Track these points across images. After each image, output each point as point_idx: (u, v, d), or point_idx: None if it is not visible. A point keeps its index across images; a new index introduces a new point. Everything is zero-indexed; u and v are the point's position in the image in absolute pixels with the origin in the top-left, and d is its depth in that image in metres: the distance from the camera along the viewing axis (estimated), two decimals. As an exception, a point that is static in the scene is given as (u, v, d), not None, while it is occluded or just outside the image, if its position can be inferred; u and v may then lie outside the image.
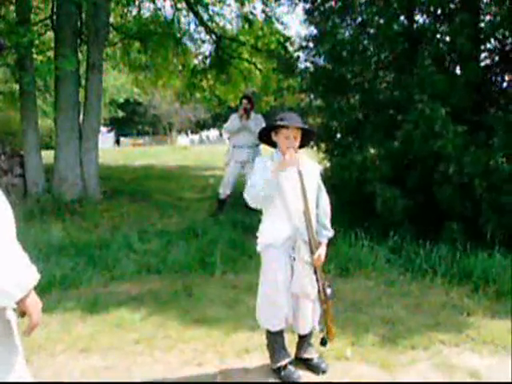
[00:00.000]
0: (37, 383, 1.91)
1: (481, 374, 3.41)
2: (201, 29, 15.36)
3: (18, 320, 1.92)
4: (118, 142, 48.66)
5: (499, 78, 6.93)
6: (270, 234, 3.37)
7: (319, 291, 3.38)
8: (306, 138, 3.47)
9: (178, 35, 14.82)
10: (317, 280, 3.37)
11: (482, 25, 6.66)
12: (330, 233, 3.52)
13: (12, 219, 1.86)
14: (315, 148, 7.45)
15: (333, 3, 7.59)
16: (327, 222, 3.51)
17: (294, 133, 3.35)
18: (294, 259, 3.31)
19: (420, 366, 3.55)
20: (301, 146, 3.47)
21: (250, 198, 3.32)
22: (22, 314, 1.85)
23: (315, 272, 3.37)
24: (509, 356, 3.69)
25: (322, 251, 3.40)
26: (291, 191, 3.31)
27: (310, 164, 3.54)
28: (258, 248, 3.46)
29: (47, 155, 10.76)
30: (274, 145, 3.49)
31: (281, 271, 3.32)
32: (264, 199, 3.29)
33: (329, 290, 3.40)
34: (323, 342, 3.50)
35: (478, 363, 3.59)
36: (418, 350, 3.79)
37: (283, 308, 3.33)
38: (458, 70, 6.88)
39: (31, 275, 1.80)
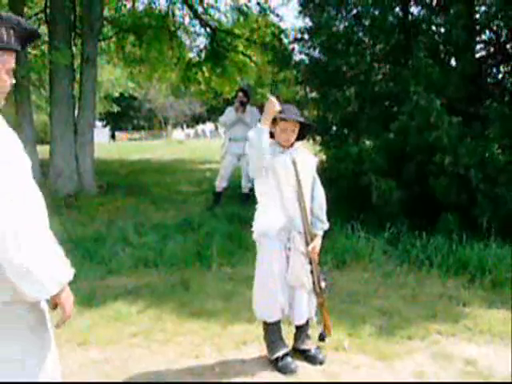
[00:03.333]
0: (63, 383, 1.97)
1: (477, 363, 3.43)
2: (195, 22, 15.36)
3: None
4: (113, 136, 48.53)
5: (494, 70, 6.94)
6: (265, 222, 3.37)
7: (314, 283, 3.40)
8: (304, 131, 3.48)
9: (173, 28, 14.78)
10: (311, 272, 3.38)
11: (478, 16, 6.67)
12: (326, 225, 3.53)
13: (46, 213, 1.94)
14: (311, 140, 7.44)
15: (328, -5, 7.57)
16: (322, 214, 3.52)
17: (292, 126, 3.35)
18: (290, 249, 3.32)
19: (417, 356, 3.57)
20: (298, 139, 3.48)
21: (251, 156, 3.28)
22: (54, 306, 1.91)
23: (310, 263, 3.37)
24: (505, 345, 3.71)
25: (316, 243, 3.41)
26: (286, 181, 3.31)
27: (307, 155, 3.54)
28: (254, 235, 3.46)
29: (42, 150, 10.73)
30: (270, 135, 3.48)
31: (276, 262, 3.33)
32: (260, 155, 3.24)
33: (323, 284, 3.42)
34: (321, 338, 3.53)
35: (474, 353, 3.60)
36: (414, 341, 3.81)
37: (279, 298, 3.34)
38: (453, 62, 6.90)
39: (66, 270, 1.87)
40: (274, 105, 3.20)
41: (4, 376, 1.84)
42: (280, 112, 3.32)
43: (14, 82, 1.95)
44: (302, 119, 3.45)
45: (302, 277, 3.34)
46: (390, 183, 6.01)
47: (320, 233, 3.49)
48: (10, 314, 1.83)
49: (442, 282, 5.01)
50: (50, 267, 1.78)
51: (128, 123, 51.88)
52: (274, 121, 3.36)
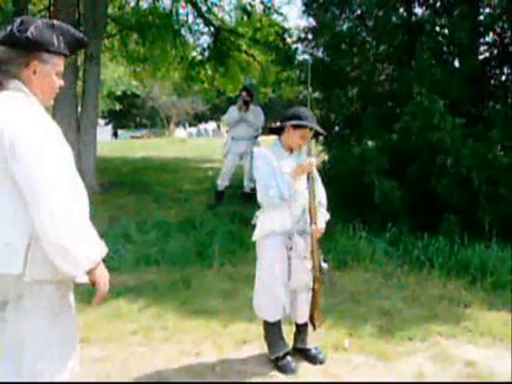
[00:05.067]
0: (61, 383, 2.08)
1: (478, 365, 3.42)
2: (199, 20, 15.32)
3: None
4: (115, 134, 48.52)
5: (498, 71, 6.93)
6: (270, 223, 3.36)
7: (314, 266, 3.36)
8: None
9: (177, 27, 14.77)
10: (312, 252, 3.35)
11: (481, 18, 6.66)
12: (327, 216, 3.53)
13: (86, 198, 2.21)
14: (313, 140, 7.43)
15: (332, -5, 7.57)
16: (323, 209, 3.52)
17: (310, 133, 3.36)
18: (291, 249, 3.31)
19: (417, 357, 3.57)
20: None
21: (267, 202, 3.32)
22: (93, 284, 2.07)
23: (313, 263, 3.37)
24: (505, 347, 3.71)
25: (320, 225, 3.40)
26: (295, 184, 3.31)
27: (306, 158, 3.53)
28: (255, 236, 3.44)
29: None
30: (276, 132, 3.48)
31: (278, 261, 3.33)
32: (279, 203, 3.29)
33: (325, 265, 3.38)
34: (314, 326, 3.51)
35: (474, 354, 3.60)
36: (415, 341, 3.81)
37: (280, 298, 3.34)
38: (456, 63, 6.89)
39: (99, 248, 2.06)
40: (311, 167, 3.26)
41: (27, 351, 2.01)
42: (302, 117, 3.33)
43: (63, 84, 2.19)
44: (322, 130, 3.46)
45: (305, 281, 3.34)
46: (393, 184, 6.01)
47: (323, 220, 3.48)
48: (36, 294, 2.00)
49: (442, 283, 5.01)
50: (83, 245, 1.96)
51: (130, 121, 51.83)
52: (295, 124, 3.35)
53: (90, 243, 2.00)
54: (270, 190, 3.25)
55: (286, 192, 3.23)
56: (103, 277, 2.07)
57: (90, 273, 2.02)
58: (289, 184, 3.24)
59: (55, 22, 2.09)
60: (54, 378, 2.03)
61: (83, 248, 1.96)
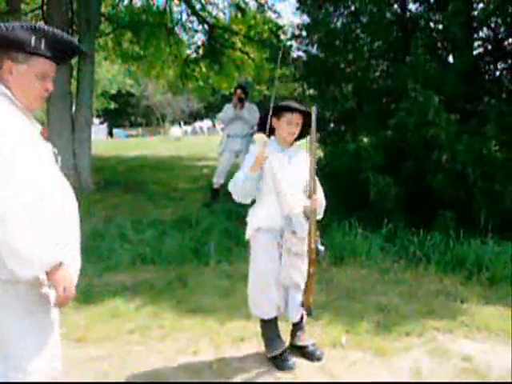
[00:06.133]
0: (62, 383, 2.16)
1: (474, 360, 3.44)
2: (193, 18, 15.32)
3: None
4: (110, 133, 48.43)
5: (492, 67, 6.93)
6: (261, 219, 3.36)
7: (310, 250, 3.29)
8: (305, 129, 3.41)
9: (171, 25, 14.75)
10: (309, 233, 3.29)
11: (475, 13, 6.66)
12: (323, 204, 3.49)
13: (70, 201, 2.19)
14: (308, 137, 7.43)
15: (326, -9, 7.56)
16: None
17: (297, 119, 3.33)
18: (282, 246, 3.30)
19: (414, 352, 3.58)
20: (298, 138, 3.46)
21: (233, 193, 3.34)
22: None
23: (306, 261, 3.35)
24: (502, 342, 3.72)
25: (320, 195, 3.39)
26: (283, 180, 3.30)
27: (301, 153, 3.52)
28: (247, 234, 3.44)
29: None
30: (270, 132, 3.46)
31: (270, 259, 3.32)
32: (244, 197, 3.31)
33: (322, 248, 3.30)
34: (308, 313, 3.44)
35: (471, 349, 3.61)
36: (412, 337, 3.82)
37: (273, 295, 3.34)
38: (450, 59, 6.89)
39: (58, 251, 2.00)
40: (263, 152, 3.15)
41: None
42: (284, 108, 3.31)
43: (51, 88, 2.16)
44: (306, 109, 3.39)
45: (297, 277, 3.32)
46: (388, 180, 6.01)
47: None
48: (8, 294, 2.01)
49: (439, 279, 5.02)
50: (36, 248, 1.93)
51: (125, 120, 51.80)
52: (278, 114, 3.35)
53: (45, 246, 1.95)
54: (234, 183, 3.29)
55: (239, 182, 3.24)
56: (64, 281, 2.03)
57: (48, 276, 2.00)
58: (246, 175, 3.21)
59: (38, 24, 2.07)
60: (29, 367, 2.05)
61: (36, 250, 1.93)
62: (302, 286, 3.37)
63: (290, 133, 3.35)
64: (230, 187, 3.33)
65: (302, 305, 3.40)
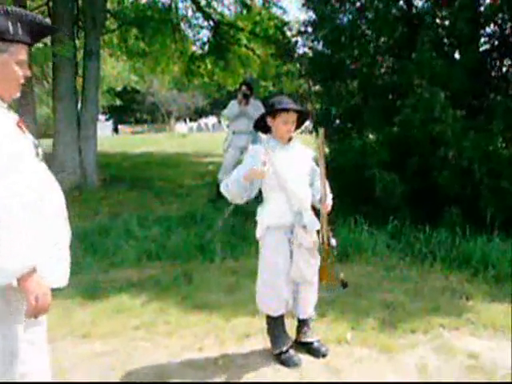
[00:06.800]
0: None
1: (480, 357, 3.43)
2: (198, 15, 15.29)
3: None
4: (116, 130, 48.51)
5: (498, 63, 6.89)
6: (271, 217, 3.36)
7: (323, 242, 3.37)
8: (300, 120, 3.47)
9: (176, 21, 14.73)
10: (320, 229, 3.36)
11: (482, 9, 6.62)
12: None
13: (50, 201, 2.05)
14: (314, 133, 7.42)
15: (332, -12, 7.53)
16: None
17: (293, 117, 3.34)
18: (293, 243, 3.31)
19: (420, 350, 3.57)
20: (295, 128, 3.48)
21: (224, 194, 3.37)
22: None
23: (316, 256, 3.37)
24: (508, 339, 3.70)
25: (329, 201, 3.43)
26: (289, 176, 3.30)
27: (303, 149, 3.52)
28: (258, 233, 3.44)
29: (45, 143, 10.72)
30: (267, 130, 3.47)
31: (281, 255, 3.32)
32: (234, 199, 3.34)
33: (333, 240, 3.37)
34: (344, 285, 3.45)
35: (477, 346, 3.60)
36: (417, 334, 3.81)
37: (283, 292, 3.34)
38: (457, 55, 6.85)
39: (24, 259, 1.86)
40: (261, 173, 3.13)
41: None
42: (279, 103, 3.32)
43: (29, 74, 2.05)
44: (300, 108, 3.46)
45: (307, 273, 3.34)
46: (394, 176, 6.00)
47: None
48: None
49: (445, 276, 5.01)
50: (6, 253, 1.82)
51: (131, 117, 51.86)
52: (273, 114, 3.35)
53: (15, 250, 1.84)
54: (226, 185, 3.32)
55: (233, 187, 3.25)
56: (35, 291, 1.91)
57: (19, 283, 1.89)
58: (238, 182, 3.22)
59: (10, 7, 1.95)
60: None
61: (3, 256, 1.82)
62: (313, 282, 3.41)
63: (287, 131, 3.36)
64: (222, 188, 3.36)
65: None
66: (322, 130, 3.40)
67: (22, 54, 2.00)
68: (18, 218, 1.86)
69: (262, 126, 3.51)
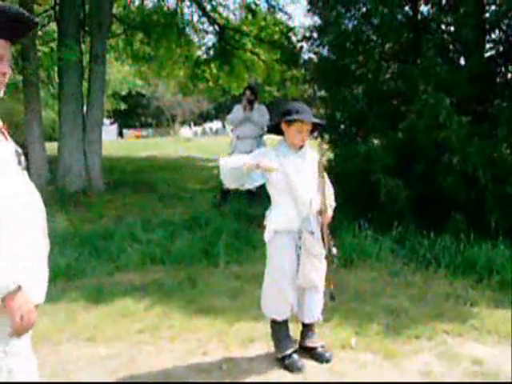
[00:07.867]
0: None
1: (484, 364, 3.41)
2: (204, 19, 15.37)
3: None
4: (121, 134, 48.64)
5: (504, 69, 6.89)
6: (279, 221, 3.36)
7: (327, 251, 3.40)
8: (314, 129, 3.49)
9: (181, 26, 14.80)
10: (323, 239, 3.36)
11: (487, 15, 6.63)
12: (333, 205, 3.54)
13: (30, 213, 1.91)
14: (319, 139, 7.43)
15: (337, -7, 7.55)
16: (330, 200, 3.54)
17: (308, 126, 3.35)
18: (300, 248, 3.31)
19: (424, 356, 3.56)
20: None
21: (220, 169, 3.38)
22: None
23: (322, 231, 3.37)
24: (512, 346, 3.70)
25: (330, 213, 3.45)
26: (299, 182, 3.31)
27: (312, 155, 3.53)
28: (266, 237, 3.44)
29: (50, 147, 10.78)
30: (278, 132, 3.48)
31: (287, 260, 3.33)
32: (226, 179, 3.37)
33: (334, 250, 3.40)
34: (332, 297, 3.50)
35: (481, 352, 3.59)
36: (421, 340, 3.80)
37: (289, 296, 3.35)
38: (462, 61, 6.86)
39: (10, 278, 1.77)
40: (271, 166, 3.18)
41: None
42: (296, 112, 3.31)
43: (6, 70, 1.89)
44: (317, 120, 3.47)
45: (314, 279, 3.34)
46: (398, 182, 6.00)
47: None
48: None
49: (449, 282, 4.99)
50: None
51: (136, 121, 52.02)
52: (288, 121, 3.35)
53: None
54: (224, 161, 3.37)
55: (231, 166, 3.29)
56: (20, 310, 1.80)
57: (3, 303, 1.78)
58: (238, 165, 3.24)
59: None
60: None
61: None
62: (320, 288, 3.42)
63: (302, 140, 3.37)
64: (221, 161, 3.37)
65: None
66: (323, 146, 3.42)
67: (0, 50, 1.85)
68: (3, 230, 1.77)
69: (273, 126, 3.52)
